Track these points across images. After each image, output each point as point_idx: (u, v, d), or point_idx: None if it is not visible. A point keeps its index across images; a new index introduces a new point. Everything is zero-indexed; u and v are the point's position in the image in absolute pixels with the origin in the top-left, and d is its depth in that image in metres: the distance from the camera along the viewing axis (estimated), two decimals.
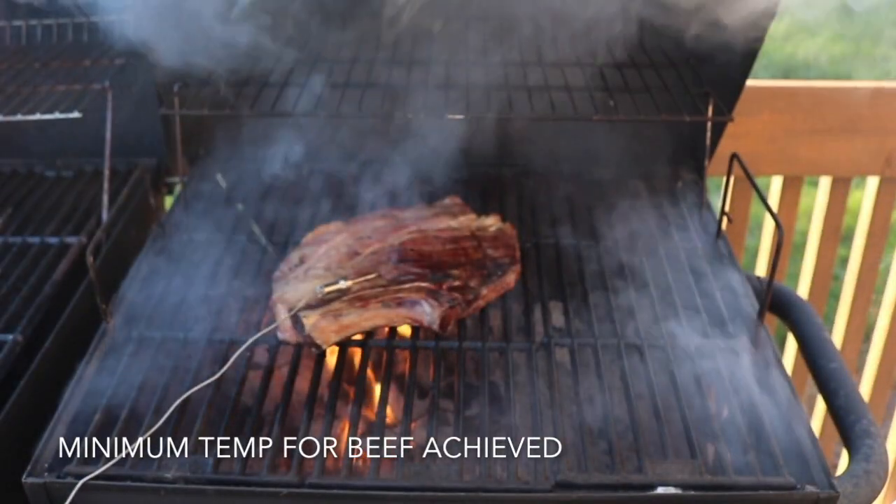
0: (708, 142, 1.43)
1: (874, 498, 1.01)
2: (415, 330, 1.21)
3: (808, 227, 1.96)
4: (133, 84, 1.48)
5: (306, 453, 1.04)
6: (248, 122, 1.51)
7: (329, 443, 1.04)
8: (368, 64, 1.49)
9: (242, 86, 1.41)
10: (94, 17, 1.49)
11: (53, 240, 1.39)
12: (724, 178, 1.37)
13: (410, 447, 1.12)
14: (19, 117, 1.37)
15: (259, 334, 1.17)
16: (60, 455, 1.00)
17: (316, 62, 1.47)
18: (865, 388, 2.05)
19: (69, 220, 1.44)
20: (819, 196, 1.90)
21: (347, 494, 0.96)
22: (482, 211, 1.40)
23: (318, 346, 1.14)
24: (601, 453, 1.19)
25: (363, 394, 1.11)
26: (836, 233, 1.90)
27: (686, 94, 1.40)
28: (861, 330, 2.02)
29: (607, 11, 1.44)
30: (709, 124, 1.42)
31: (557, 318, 1.36)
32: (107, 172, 1.36)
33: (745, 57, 1.37)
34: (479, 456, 1.02)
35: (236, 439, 1.04)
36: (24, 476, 0.97)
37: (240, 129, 1.53)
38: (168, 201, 1.61)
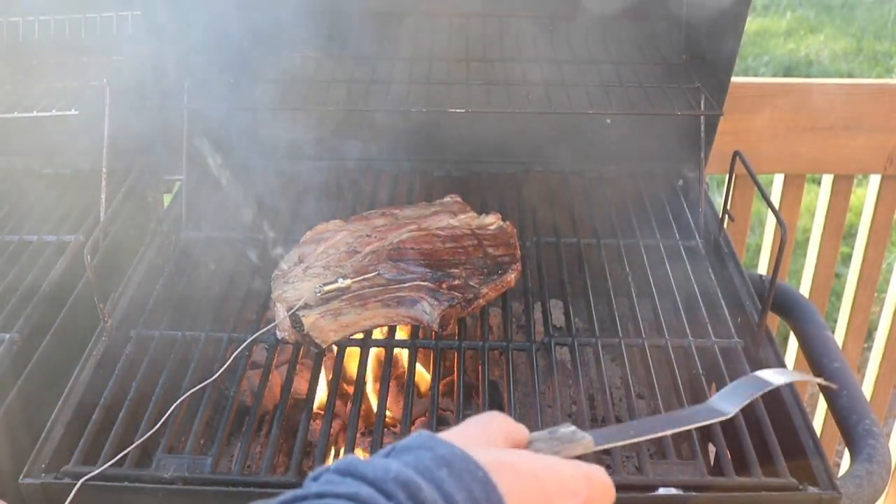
0: (703, 136, 1.43)
1: (876, 498, 1.00)
2: (414, 329, 1.21)
3: (810, 225, 1.95)
4: (131, 81, 1.47)
5: (305, 453, 1.03)
6: (249, 116, 1.50)
7: (328, 443, 1.04)
8: (372, 60, 1.49)
9: (249, 81, 1.41)
10: (92, 14, 1.48)
11: (51, 238, 1.38)
12: (727, 176, 1.36)
13: None
14: (16, 115, 1.36)
15: (257, 333, 1.17)
16: (58, 455, 0.99)
17: (321, 57, 1.47)
18: (867, 388, 2.04)
19: (67, 219, 1.43)
20: (821, 194, 1.89)
21: None
22: (482, 209, 1.39)
23: (317, 346, 1.14)
24: (601, 454, 1.19)
25: (362, 393, 1.10)
26: (838, 231, 1.89)
27: (678, 90, 1.42)
28: (863, 329, 2.01)
29: (604, 10, 1.44)
30: (702, 120, 1.42)
31: (558, 318, 1.35)
32: (105, 170, 1.35)
33: (729, 52, 1.38)
34: None
35: (235, 439, 1.04)
36: (21, 477, 0.96)
37: (238, 125, 1.52)
38: (166, 199, 1.61)
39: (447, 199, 1.42)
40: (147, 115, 1.48)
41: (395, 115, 1.43)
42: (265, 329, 1.17)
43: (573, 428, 0.62)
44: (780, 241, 1.09)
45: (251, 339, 1.16)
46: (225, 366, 1.11)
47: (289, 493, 0.53)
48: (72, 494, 0.93)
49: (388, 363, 1.15)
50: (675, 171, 1.55)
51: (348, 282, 1.18)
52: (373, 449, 1.01)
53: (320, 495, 0.52)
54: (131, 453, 0.99)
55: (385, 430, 1.09)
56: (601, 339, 1.17)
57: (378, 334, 1.21)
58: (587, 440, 0.61)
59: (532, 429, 0.62)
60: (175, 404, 1.05)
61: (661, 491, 0.95)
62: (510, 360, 1.14)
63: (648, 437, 0.64)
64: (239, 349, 1.14)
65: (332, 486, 0.53)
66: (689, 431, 1.04)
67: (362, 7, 1.49)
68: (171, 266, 1.31)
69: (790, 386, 1.09)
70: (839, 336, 2.00)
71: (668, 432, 0.66)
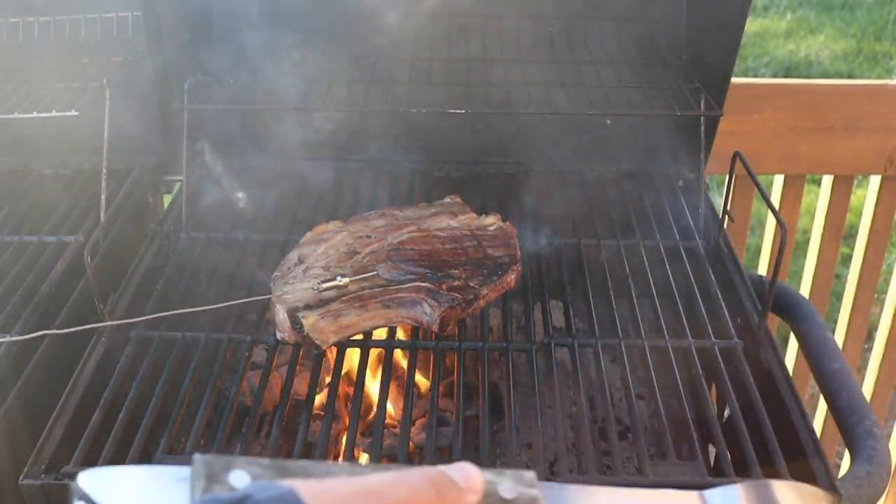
0: (703, 136, 1.43)
1: (877, 499, 1.00)
2: (414, 330, 1.21)
3: (810, 226, 1.95)
4: (131, 82, 1.47)
5: (305, 454, 1.03)
6: (249, 117, 1.50)
7: (328, 444, 1.04)
8: (372, 60, 1.49)
9: (249, 81, 1.42)
10: (92, 14, 1.48)
11: (51, 238, 1.38)
12: (727, 177, 1.36)
13: (410, 448, 1.12)
14: (16, 115, 1.36)
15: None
16: (58, 456, 0.99)
17: (321, 58, 1.48)
18: (868, 389, 2.04)
19: (67, 219, 1.43)
20: (821, 194, 1.89)
21: None
22: (482, 210, 1.39)
23: (317, 347, 1.13)
24: (601, 454, 1.19)
25: (362, 394, 1.10)
26: (839, 231, 1.89)
27: (678, 91, 1.42)
28: (863, 330, 2.01)
29: (604, 9, 1.45)
30: (703, 120, 1.42)
31: (558, 318, 1.35)
32: (105, 171, 1.35)
33: (729, 52, 1.38)
34: (478, 457, 1.01)
35: (235, 439, 1.03)
36: (20, 478, 0.96)
37: (238, 125, 1.52)
38: (166, 200, 1.61)
39: (447, 199, 1.42)
40: (147, 116, 1.48)
41: (395, 115, 1.43)
42: (243, 299, 1.17)
43: (535, 494, 0.51)
44: (781, 241, 1.09)
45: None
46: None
47: None
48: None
49: (388, 364, 1.15)
50: (674, 172, 1.55)
51: (346, 280, 1.18)
52: (373, 451, 1.01)
53: None
54: (131, 453, 0.99)
55: (385, 430, 1.08)
56: (601, 340, 1.17)
57: (378, 335, 1.21)
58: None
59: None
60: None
61: None
62: (510, 361, 1.14)
63: None
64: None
65: None
66: (689, 433, 1.04)
67: (362, 7, 1.49)
68: (171, 267, 1.31)
69: (790, 386, 1.09)
70: (839, 337, 2.00)
71: None
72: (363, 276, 1.20)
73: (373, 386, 1.30)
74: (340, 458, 1.20)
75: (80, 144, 1.53)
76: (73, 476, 0.94)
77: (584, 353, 1.17)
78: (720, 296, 1.25)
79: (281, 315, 1.15)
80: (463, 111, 1.36)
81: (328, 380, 1.18)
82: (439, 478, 0.47)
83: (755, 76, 4.47)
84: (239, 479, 0.45)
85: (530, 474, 0.52)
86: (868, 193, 1.89)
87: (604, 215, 1.45)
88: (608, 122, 1.50)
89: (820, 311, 1.75)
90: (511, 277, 1.23)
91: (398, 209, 1.39)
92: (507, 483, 0.50)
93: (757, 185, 1.23)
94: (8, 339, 1.08)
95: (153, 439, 1.02)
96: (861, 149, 1.78)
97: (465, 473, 0.49)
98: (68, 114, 1.35)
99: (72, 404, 1.06)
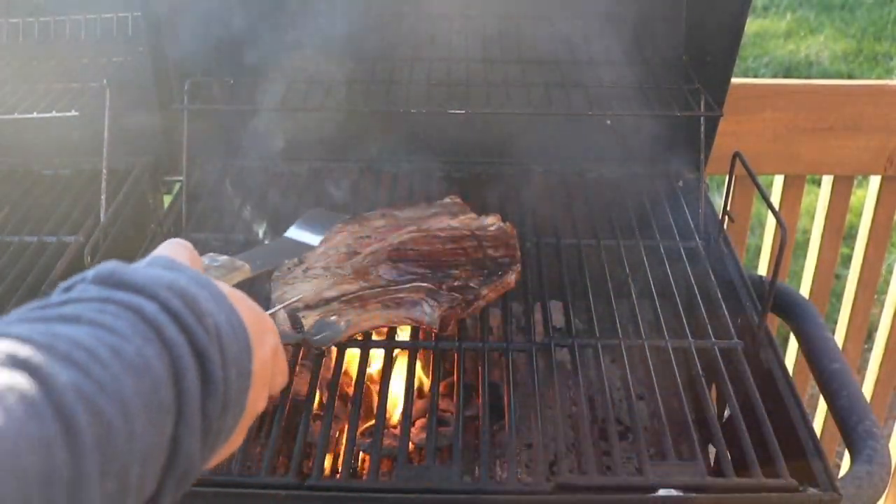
0: (703, 137, 1.43)
1: (877, 500, 1.00)
2: (414, 330, 1.21)
3: (810, 226, 1.95)
4: (131, 82, 1.47)
5: (305, 454, 1.03)
6: (249, 117, 1.50)
7: (328, 444, 1.04)
8: (372, 61, 1.49)
9: (250, 82, 1.42)
10: (92, 14, 1.48)
11: (51, 238, 1.38)
12: (727, 177, 1.36)
13: (410, 448, 1.12)
14: (16, 116, 1.37)
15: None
16: None
17: (321, 58, 1.48)
18: (868, 389, 2.04)
19: (67, 220, 1.43)
20: (821, 195, 1.89)
21: (346, 496, 0.95)
22: (482, 210, 1.39)
23: (317, 347, 1.13)
24: (601, 455, 1.19)
25: (362, 394, 1.10)
26: (839, 232, 1.89)
27: (678, 91, 1.43)
28: (863, 330, 2.01)
29: (603, 10, 1.45)
30: (702, 120, 1.42)
31: (558, 319, 1.35)
32: (105, 171, 1.35)
33: (729, 52, 1.38)
34: (478, 457, 1.01)
35: None
36: None
37: (238, 126, 1.52)
38: (166, 200, 1.61)
39: (447, 199, 1.42)
40: (147, 116, 1.48)
41: (395, 115, 1.43)
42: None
43: (229, 257, 0.73)
44: (780, 241, 1.09)
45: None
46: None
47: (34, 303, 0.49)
48: None
49: (387, 364, 1.15)
50: (674, 172, 1.55)
51: (304, 294, 1.17)
52: (373, 450, 1.01)
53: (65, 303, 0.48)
54: None
55: (385, 430, 1.08)
56: (601, 341, 1.17)
57: (378, 335, 1.21)
58: (246, 268, 0.74)
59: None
60: None
61: (661, 492, 0.94)
62: (510, 362, 1.14)
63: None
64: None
65: (98, 293, 0.49)
66: (689, 433, 1.04)
67: (363, 7, 1.50)
68: None
69: (790, 386, 1.09)
70: (839, 337, 2.00)
71: None
72: (362, 278, 1.20)
73: (372, 386, 1.30)
74: (340, 459, 1.20)
75: (80, 144, 1.53)
76: None
77: (584, 353, 1.17)
78: (720, 296, 1.25)
79: (281, 315, 1.15)
80: (463, 111, 1.36)
81: (327, 380, 1.18)
82: (187, 243, 0.72)
83: (755, 76, 4.47)
84: None
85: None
86: (868, 193, 1.89)
87: (604, 215, 1.45)
88: (608, 122, 1.50)
89: (820, 311, 1.75)
90: (511, 278, 1.23)
91: (398, 209, 1.39)
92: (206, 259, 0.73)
93: (757, 185, 1.23)
94: None
95: None
96: (861, 149, 1.78)
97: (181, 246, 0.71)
98: (68, 114, 1.35)
99: None
